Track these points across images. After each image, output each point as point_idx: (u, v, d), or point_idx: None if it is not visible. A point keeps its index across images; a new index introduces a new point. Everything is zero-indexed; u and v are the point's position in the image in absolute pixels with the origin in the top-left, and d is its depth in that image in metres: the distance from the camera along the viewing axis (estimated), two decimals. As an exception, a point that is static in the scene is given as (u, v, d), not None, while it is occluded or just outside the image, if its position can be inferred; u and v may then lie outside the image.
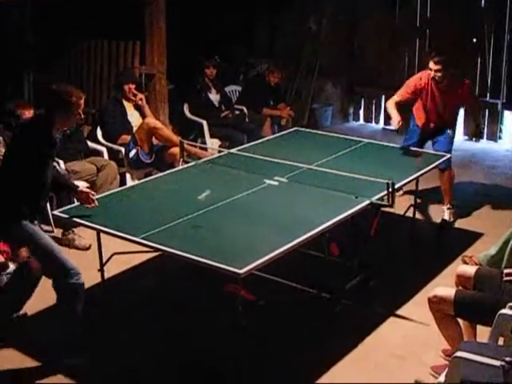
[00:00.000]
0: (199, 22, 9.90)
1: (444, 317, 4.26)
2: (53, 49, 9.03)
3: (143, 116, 7.84)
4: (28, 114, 6.29)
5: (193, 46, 9.75)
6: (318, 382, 4.45)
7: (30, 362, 4.66)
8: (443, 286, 4.40)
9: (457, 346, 3.92)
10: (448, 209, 7.09)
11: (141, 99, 7.88)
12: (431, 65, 6.96)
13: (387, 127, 10.71)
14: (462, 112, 9.37)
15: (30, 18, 9.07)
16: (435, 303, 4.24)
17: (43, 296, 5.08)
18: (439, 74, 6.91)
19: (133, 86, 7.87)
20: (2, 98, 7.07)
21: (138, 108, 7.92)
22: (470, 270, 4.50)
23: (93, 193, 5.04)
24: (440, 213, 7.12)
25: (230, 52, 10.63)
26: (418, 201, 6.79)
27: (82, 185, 5.09)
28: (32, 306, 5.18)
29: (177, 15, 8.65)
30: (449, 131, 7.22)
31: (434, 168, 6.29)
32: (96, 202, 4.98)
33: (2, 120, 6.38)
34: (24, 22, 9.08)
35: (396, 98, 7.18)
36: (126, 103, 7.86)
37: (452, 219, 7.08)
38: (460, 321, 4.32)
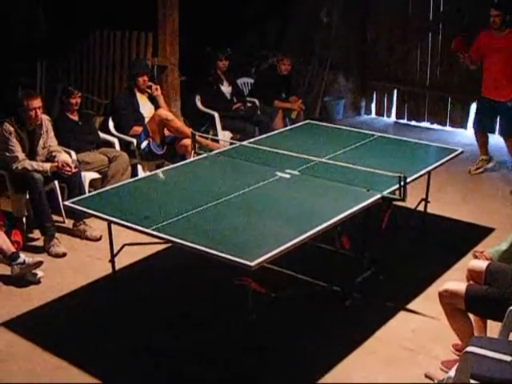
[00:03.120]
0: (211, 13, 9.89)
1: (454, 311, 4.25)
2: (65, 38, 9.04)
3: (157, 106, 7.84)
4: (36, 104, 6.28)
5: (205, 37, 9.74)
6: (327, 375, 4.45)
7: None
8: (454, 281, 4.39)
9: (467, 340, 3.92)
10: None
11: (156, 89, 7.88)
12: (491, 12, 7.84)
13: (399, 121, 10.72)
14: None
15: (42, 7, 9.09)
16: (446, 297, 4.24)
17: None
18: (498, 19, 7.79)
19: (146, 78, 7.88)
20: (15, 90, 7.09)
21: (152, 99, 7.92)
22: (481, 264, 4.49)
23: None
24: (452, 206, 7.12)
25: (243, 44, 10.61)
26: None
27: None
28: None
29: (189, 7, 8.63)
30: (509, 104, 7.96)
31: (445, 162, 6.27)
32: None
33: (14, 111, 6.38)
34: (36, 11, 9.10)
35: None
36: (139, 95, 7.86)
37: None
38: (470, 315, 4.32)
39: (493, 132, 8.58)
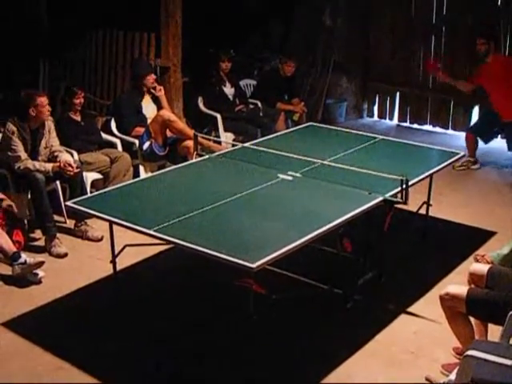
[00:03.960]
0: (214, 15, 9.90)
1: (455, 315, 4.25)
2: (68, 38, 9.04)
3: (160, 107, 7.84)
4: (46, 101, 6.30)
5: (208, 39, 9.75)
6: (327, 376, 4.45)
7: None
8: (455, 284, 4.39)
9: (468, 344, 3.91)
10: None
11: (160, 89, 7.88)
12: (477, 41, 8.13)
13: (401, 123, 10.71)
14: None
15: (45, 7, 9.09)
16: (447, 301, 4.23)
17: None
18: (483, 47, 8.08)
19: (154, 76, 7.88)
20: (18, 89, 7.07)
21: (155, 100, 7.92)
22: (483, 268, 4.48)
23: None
24: (454, 209, 7.11)
25: (247, 46, 10.62)
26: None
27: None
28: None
29: (193, 8, 8.63)
30: None
31: (447, 165, 6.27)
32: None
33: (17, 111, 6.38)
34: (39, 10, 9.10)
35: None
36: (144, 95, 7.86)
37: None
38: (471, 319, 4.31)
39: (487, 141, 8.70)
